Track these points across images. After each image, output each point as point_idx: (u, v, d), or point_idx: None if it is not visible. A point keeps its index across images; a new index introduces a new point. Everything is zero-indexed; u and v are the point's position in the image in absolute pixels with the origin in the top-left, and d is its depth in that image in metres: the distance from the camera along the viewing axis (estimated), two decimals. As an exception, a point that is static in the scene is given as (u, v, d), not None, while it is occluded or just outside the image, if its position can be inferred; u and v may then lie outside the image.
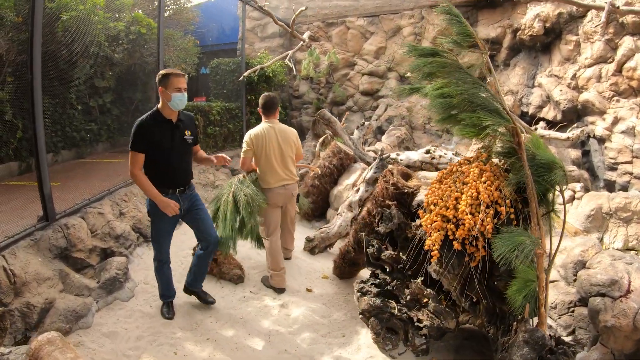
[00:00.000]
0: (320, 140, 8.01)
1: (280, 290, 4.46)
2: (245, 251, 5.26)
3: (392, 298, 3.26)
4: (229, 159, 3.91)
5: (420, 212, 3.02)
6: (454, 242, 2.79)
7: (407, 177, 3.63)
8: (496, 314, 2.97)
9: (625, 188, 6.99)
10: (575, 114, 8.03)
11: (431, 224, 2.88)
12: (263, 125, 4.38)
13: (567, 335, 3.73)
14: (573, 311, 3.84)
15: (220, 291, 4.47)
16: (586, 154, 7.82)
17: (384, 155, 5.62)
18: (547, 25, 8.28)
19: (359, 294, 3.22)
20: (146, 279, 4.60)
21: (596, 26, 6.59)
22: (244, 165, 4.40)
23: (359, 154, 7.00)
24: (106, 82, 8.48)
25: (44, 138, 4.25)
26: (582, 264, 4.13)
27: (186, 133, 3.64)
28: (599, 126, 7.50)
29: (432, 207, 2.92)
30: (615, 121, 7.30)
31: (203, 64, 12.07)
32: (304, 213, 6.59)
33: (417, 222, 3.18)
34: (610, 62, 7.36)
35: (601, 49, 7.43)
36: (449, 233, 2.81)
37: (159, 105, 3.55)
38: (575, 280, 4.01)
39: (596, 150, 7.63)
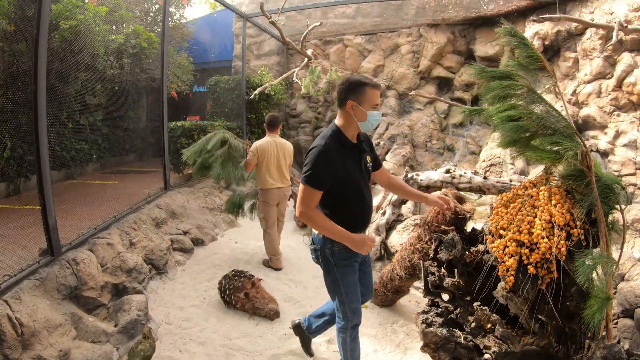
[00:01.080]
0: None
1: (278, 270, 5.53)
2: (273, 283, 5.05)
3: (455, 326, 3.20)
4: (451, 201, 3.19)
5: (488, 237, 2.98)
6: (528, 267, 2.76)
7: (461, 201, 3.60)
8: (565, 334, 2.95)
9: (630, 200, 7.15)
10: (577, 128, 8.18)
11: (503, 249, 2.85)
12: (267, 139, 5.42)
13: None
14: (616, 323, 3.91)
15: (256, 329, 4.14)
16: (589, 168, 7.99)
17: (408, 177, 5.59)
18: (546, 42, 8.48)
19: (423, 325, 3.12)
20: (167, 317, 4.21)
21: (610, 44, 6.75)
22: (247, 168, 5.39)
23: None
24: (97, 99, 8.18)
25: (48, 160, 3.80)
26: (620, 277, 4.20)
27: (368, 159, 2.93)
28: (601, 140, 7.67)
29: (502, 232, 2.90)
30: (617, 135, 7.48)
31: (196, 82, 11.93)
32: None
33: (480, 247, 3.15)
34: (610, 78, 7.56)
35: (600, 65, 7.63)
36: (524, 257, 2.78)
37: (339, 123, 2.79)
38: (615, 293, 4.05)
39: (599, 163, 7.78)
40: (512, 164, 8.05)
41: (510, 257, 2.80)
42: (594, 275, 2.59)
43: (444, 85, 11.10)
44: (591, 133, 7.91)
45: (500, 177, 7.78)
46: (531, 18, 5.82)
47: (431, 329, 3.08)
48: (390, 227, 5.15)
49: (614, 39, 5.31)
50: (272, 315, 4.30)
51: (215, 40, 13.39)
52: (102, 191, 7.30)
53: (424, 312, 3.29)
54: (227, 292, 4.40)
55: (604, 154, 7.67)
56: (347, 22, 11.60)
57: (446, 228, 3.37)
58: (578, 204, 2.77)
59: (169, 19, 10.82)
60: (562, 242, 2.70)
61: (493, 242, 2.90)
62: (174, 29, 10.78)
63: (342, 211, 2.79)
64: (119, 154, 9.73)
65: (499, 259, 2.84)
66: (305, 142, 11.91)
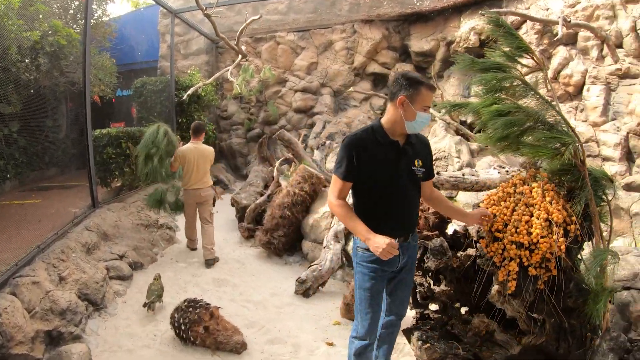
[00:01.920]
0: (277, 164, 7.56)
1: (193, 249, 6.27)
2: (230, 308, 4.55)
3: (451, 338, 2.98)
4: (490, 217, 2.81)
5: (482, 241, 2.78)
6: (529, 268, 2.60)
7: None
8: (564, 330, 2.84)
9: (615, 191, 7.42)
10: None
11: (502, 253, 2.66)
12: (189, 145, 5.99)
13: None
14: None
15: (223, 369, 3.59)
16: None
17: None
18: (482, 37, 8.63)
19: (420, 342, 2.87)
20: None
21: (556, 39, 6.94)
22: (172, 168, 6.01)
23: (327, 176, 6.64)
24: (12, 107, 7.15)
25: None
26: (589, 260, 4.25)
27: (416, 163, 2.65)
28: (538, 130, 7.91)
29: (497, 234, 2.70)
30: (553, 125, 7.73)
31: (120, 85, 11.01)
32: (275, 248, 6.04)
33: (470, 251, 2.96)
34: (547, 70, 7.81)
35: (531, 66, 7.86)
36: (524, 259, 2.60)
37: (384, 118, 2.61)
38: None
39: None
40: (458, 157, 8.10)
41: (510, 260, 2.62)
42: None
43: (379, 81, 11.06)
44: (528, 123, 8.13)
45: (446, 170, 7.79)
46: (480, 12, 5.79)
47: (428, 345, 2.83)
48: (350, 232, 4.86)
49: (560, 33, 5.40)
50: (239, 348, 3.78)
51: (140, 39, 12.44)
52: (22, 213, 6.39)
53: (416, 327, 3.04)
54: (183, 327, 3.81)
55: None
56: (279, 18, 11.24)
57: (429, 233, 3.13)
58: (575, 199, 2.66)
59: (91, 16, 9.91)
60: (561, 239, 2.57)
61: (487, 246, 2.71)
62: (96, 28, 9.79)
63: (370, 208, 2.60)
64: (38, 168, 8.64)
65: (497, 263, 2.65)
66: (238, 144, 11.40)
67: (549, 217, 2.60)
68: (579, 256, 2.81)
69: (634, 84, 7.26)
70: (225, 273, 5.54)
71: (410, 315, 3.30)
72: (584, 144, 7.42)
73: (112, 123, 10.77)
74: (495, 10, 5.45)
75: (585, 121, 7.51)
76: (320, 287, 5.02)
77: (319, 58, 11.22)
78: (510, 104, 2.66)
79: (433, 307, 3.24)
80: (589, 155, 7.37)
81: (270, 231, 6.02)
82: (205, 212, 6.09)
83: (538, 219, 2.59)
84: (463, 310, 3.18)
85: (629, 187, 6.97)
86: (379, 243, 2.35)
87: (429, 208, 3.27)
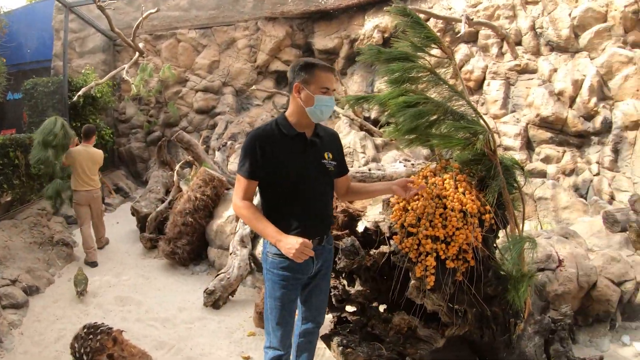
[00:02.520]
0: (177, 168, 7.13)
1: (93, 264, 5.86)
2: (136, 328, 4.14)
3: (373, 339, 2.85)
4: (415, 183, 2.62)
5: (395, 237, 2.65)
6: (447, 261, 2.52)
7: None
8: (486, 317, 2.82)
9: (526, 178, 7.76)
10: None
11: (417, 248, 2.56)
12: (79, 148, 6.11)
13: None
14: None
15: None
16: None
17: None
18: (386, 35, 8.78)
19: (341, 348, 2.70)
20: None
21: (458, 36, 7.14)
22: (63, 164, 6.19)
23: (229, 178, 6.32)
24: None
25: None
26: (507, 249, 4.42)
27: (326, 156, 2.45)
28: (443, 125, 8.18)
29: (410, 229, 2.59)
30: (458, 119, 8.04)
31: (10, 88, 9.88)
32: (180, 258, 5.66)
33: (384, 248, 2.84)
34: (455, 61, 8.10)
35: (439, 55, 8.12)
36: (440, 253, 2.52)
37: (287, 111, 2.42)
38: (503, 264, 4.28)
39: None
40: (363, 152, 8.16)
41: (427, 255, 2.52)
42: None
43: (282, 79, 10.88)
44: (434, 118, 8.38)
45: (352, 166, 7.81)
46: (385, 8, 5.81)
47: (350, 349, 2.67)
48: (256, 235, 4.63)
49: (462, 31, 5.55)
50: (153, 376, 3.39)
51: (33, 37, 11.15)
52: None
53: (335, 333, 2.87)
54: (85, 357, 3.28)
55: (449, 138, 8.18)
56: (180, 14, 10.72)
57: (339, 233, 2.98)
58: (488, 189, 2.62)
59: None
60: (477, 229, 2.52)
61: (401, 242, 2.59)
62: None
63: (279, 208, 2.40)
64: None
65: (413, 259, 2.55)
66: (137, 149, 10.73)
67: (463, 208, 2.54)
68: (494, 244, 2.80)
69: (532, 79, 7.79)
70: (129, 290, 5.11)
71: (329, 318, 3.14)
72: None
73: (3, 130, 9.64)
74: (402, 5, 5.47)
75: (486, 114, 7.90)
76: (230, 296, 4.72)
77: (221, 56, 10.88)
78: (418, 95, 2.58)
79: (351, 308, 3.10)
80: (490, 147, 7.72)
81: (173, 240, 5.60)
82: (97, 210, 6.36)
83: (452, 210, 2.52)
84: (382, 308, 3.07)
85: (530, 174, 7.42)
86: (292, 244, 2.14)
87: (336, 207, 3.11)
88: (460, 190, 2.61)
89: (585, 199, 6.74)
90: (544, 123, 7.41)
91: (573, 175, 7.14)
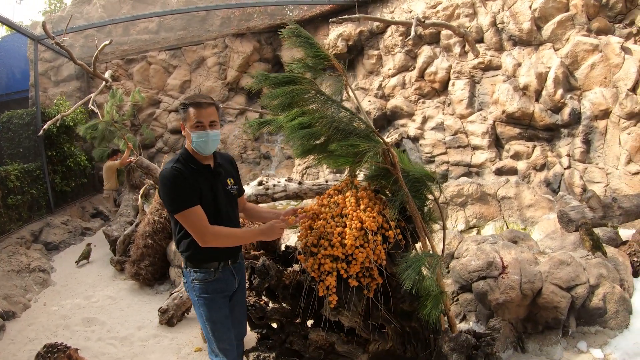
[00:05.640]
0: (141, 192, 7.20)
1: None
2: (97, 347, 4.31)
3: (293, 355, 2.86)
4: (303, 209, 2.75)
5: (300, 257, 2.65)
6: (349, 280, 2.52)
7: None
8: (406, 333, 2.81)
9: (445, 176, 7.72)
10: (386, 119, 8.67)
11: (318, 268, 2.56)
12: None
13: (460, 322, 3.91)
14: (457, 299, 4.02)
15: None
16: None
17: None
18: (350, 43, 8.83)
19: (256, 363, 2.73)
20: None
21: (409, 39, 7.16)
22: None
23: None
24: None
25: None
26: (450, 256, 4.30)
27: (228, 182, 2.60)
28: (410, 127, 8.20)
29: (312, 248, 2.60)
30: (425, 120, 8.06)
31: None
32: (144, 279, 5.74)
33: (295, 267, 2.85)
34: (412, 70, 8.09)
35: (402, 59, 8.15)
36: (342, 272, 2.52)
37: (186, 146, 2.50)
38: (449, 272, 4.22)
39: (411, 148, 8.30)
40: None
41: (327, 275, 2.52)
42: (423, 271, 2.47)
43: (254, 94, 10.97)
44: (401, 122, 8.42)
45: (317, 178, 7.83)
46: (330, 20, 5.85)
47: (265, 365, 2.68)
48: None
49: (412, 33, 5.56)
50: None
51: (10, 67, 11.34)
52: None
53: (253, 348, 2.89)
54: None
55: (415, 139, 8.20)
56: (149, 37, 10.90)
57: (256, 253, 3.01)
58: (389, 203, 2.61)
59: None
60: (379, 247, 2.51)
61: (306, 261, 2.60)
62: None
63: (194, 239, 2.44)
64: None
65: (316, 279, 2.55)
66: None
67: (363, 225, 2.53)
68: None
69: (496, 75, 7.73)
70: (96, 311, 5.32)
71: (255, 335, 3.20)
72: (453, 136, 7.77)
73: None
74: (347, 16, 5.48)
75: (452, 114, 7.88)
76: (185, 314, 4.85)
77: (191, 75, 11.04)
78: (311, 116, 2.58)
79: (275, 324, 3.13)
80: (458, 146, 7.70)
81: (137, 262, 5.76)
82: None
83: (351, 229, 2.52)
84: (309, 323, 3.07)
85: (500, 172, 7.38)
86: (270, 229, 2.46)
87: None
88: (362, 207, 2.61)
89: (557, 193, 6.69)
90: (510, 119, 7.38)
91: (544, 170, 7.09)
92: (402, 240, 2.63)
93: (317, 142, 2.60)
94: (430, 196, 2.79)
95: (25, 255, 7.08)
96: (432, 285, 2.44)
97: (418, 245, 2.86)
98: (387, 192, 2.88)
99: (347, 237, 2.50)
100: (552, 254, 4.11)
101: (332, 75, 2.74)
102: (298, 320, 3.02)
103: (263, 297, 3.02)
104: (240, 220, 2.91)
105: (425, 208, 2.80)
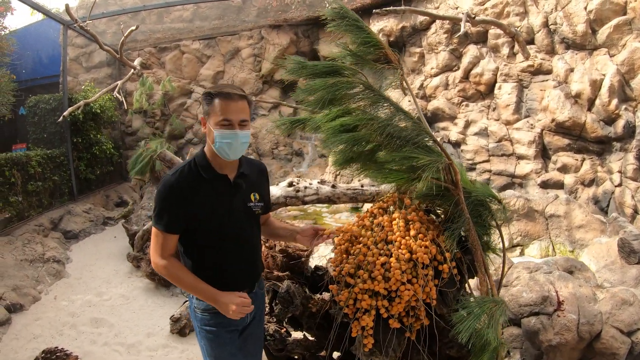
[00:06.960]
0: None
1: None
2: (101, 352, 4.06)
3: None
4: (326, 232, 2.28)
5: (332, 287, 2.22)
6: (390, 321, 2.09)
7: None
8: (453, 380, 2.38)
9: (508, 217, 7.19)
10: (426, 122, 8.17)
11: (354, 303, 2.13)
12: None
13: (506, 360, 3.50)
14: (502, 334, 3.54)
15: None
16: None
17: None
18: (391, 39, 8.38)
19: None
20: None
21: (457, 35, 6.66)
22: None
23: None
24: None
25: None
26: (496, 283, 3.82)
27: (252, 198, 2.13)
28: (452, 131, 7.69)
29: (348, 279, 2.16)
30: (467, 124, 7.56)
31: (21, 103, 9.97)
32: (159, 279, 5.41)
33: (325, 295, 2.44)
34: (457, 70, 7.58)
35: (446, 58, 7.65)
36: (382, 311, 2.08)
37: (206, 148, 2.07)
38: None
39: (452, 154, 7.77)
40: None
41: (364, 313, 2.09)
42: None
43: (289, 88, 10.58)
44: (442, 125, 7.94)
45: (351, 181, 7.38)
46: (374, 10, 5.40)
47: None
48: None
49: (462, 29, 5.05)
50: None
51: (41, 53, 11.23)
52: None
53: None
54: None
55: (457, 144, 7.71)
56: (184, 26, 10.61)
57: (280, 274, 2.59)
58: (446, 233, 2.14)
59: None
60: (430, 283, 2.06)
61: (339, 293, 2.17)
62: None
63: (202, 259, 2.05)
64: None
65: (350, 315, 2.12)
66: (145, 163, 10.70)
67: (413, 256, 2.09)
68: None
69: (546, 80, 7.15)
70: (106, 311, 5.05)
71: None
72: (497, 144, 7.22)
73: (14, 145, 9.70)
74: (392, 8, 5.03)
75: (497, 120, 7.35)
76: None
77: (225, 66, 10.70)
78: (357, 117, 2.12)
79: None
80: (502, 155, 7.17)
81: None
82: None
83: (397, 260, 2.07)
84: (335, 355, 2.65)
85: (545, 185, 6.84)
86: (228, 301, 1.93)
87: (275, 245, 2.74)
88: (412, 232, 2.15)
89: (607, 212, 6.10)
90: (560, 128, 6.79)
91: (593, 186, 6.49)
92: (457, 276, 2.19)
93: (364, 149, 2.15)
94: (492, 222, 2.35)
95: (41, 244, 6.86)
96: (492, 337, 1.99)
97: (472, 281, 2.44)
98: (439, 211, 2.44)
99: (392, 269, 2.05)
100: (612, 290, 3.61)
101: (387, 68, 2.24)
102: (323, 353, 2.62)
103: (284, 325, 2.62)
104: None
105: (485, 237, 2.35)
